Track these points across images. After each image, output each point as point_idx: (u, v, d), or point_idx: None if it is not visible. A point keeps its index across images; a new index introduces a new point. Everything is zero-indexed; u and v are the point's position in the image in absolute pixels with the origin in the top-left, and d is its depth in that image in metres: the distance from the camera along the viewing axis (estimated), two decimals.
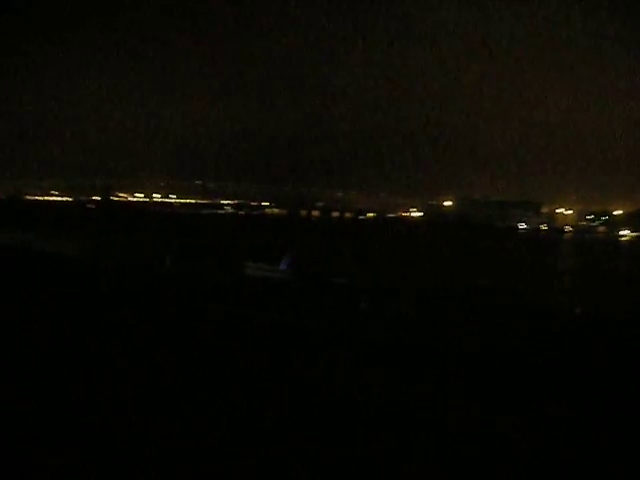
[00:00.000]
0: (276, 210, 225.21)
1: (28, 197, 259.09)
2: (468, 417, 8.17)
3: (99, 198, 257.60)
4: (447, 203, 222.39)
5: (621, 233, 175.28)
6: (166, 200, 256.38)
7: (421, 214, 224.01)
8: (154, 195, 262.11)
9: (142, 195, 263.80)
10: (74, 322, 12.66)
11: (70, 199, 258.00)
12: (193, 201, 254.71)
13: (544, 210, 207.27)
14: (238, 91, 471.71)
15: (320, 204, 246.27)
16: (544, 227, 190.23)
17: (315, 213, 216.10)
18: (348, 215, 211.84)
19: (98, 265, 30.69)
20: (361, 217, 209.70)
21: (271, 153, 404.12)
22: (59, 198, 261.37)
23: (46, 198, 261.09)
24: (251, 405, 7.81)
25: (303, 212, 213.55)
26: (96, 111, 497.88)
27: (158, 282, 25.21)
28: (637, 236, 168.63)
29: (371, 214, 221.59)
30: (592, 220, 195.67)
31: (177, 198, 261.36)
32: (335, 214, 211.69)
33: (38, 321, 12.37)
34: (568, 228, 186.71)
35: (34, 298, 15.47)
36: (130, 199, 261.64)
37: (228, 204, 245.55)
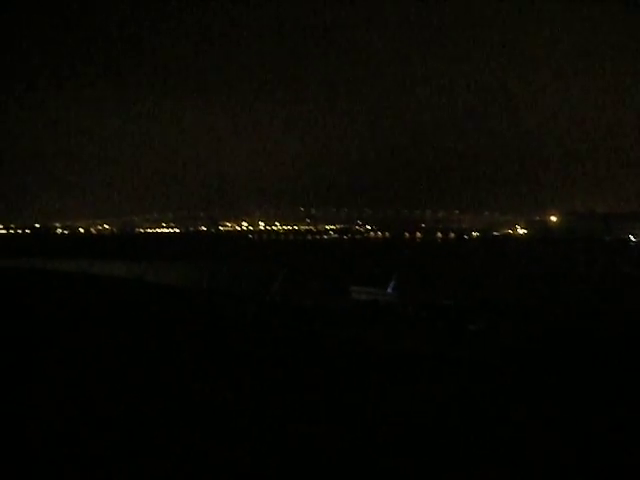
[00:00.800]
0: (380, 233, 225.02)
1: (139, 230, 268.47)
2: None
3: (205, 228, 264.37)
4: (552, 218, 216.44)
5: None
6: (271, 228, 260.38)
7: (526, 231, 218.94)
8: (259, 223, 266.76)
9: (247, 224, 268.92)
10: (194, 356, 12.93)
11: (178, 230, 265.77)
12: (297, 228, 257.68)
13: None
14: (337, 119, 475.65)
15: (423, 225, 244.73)
16: None
17: (419, 235, 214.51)
18: (452, 235, 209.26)
19: (207, 294, 31.33)
20: (465, 237, 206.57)
21: (372, 177, 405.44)
22: (168, 230, 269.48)
23: (156, 230, 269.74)
24: (364, 432, 7.78)
25: (407, 234, 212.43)
26: (202, 145, 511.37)
27: (266, 309, 25.53)
28: None
29: (475, 233, 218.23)
30: None
31: (281, 225, 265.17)
32: (439, 235, 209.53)
33: (161, 357, 12.70)
34: None
35: (150, 331, 15.92)
36: (236, 228, 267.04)
37: (332, 229, 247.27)
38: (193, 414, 8.32)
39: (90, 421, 7.87)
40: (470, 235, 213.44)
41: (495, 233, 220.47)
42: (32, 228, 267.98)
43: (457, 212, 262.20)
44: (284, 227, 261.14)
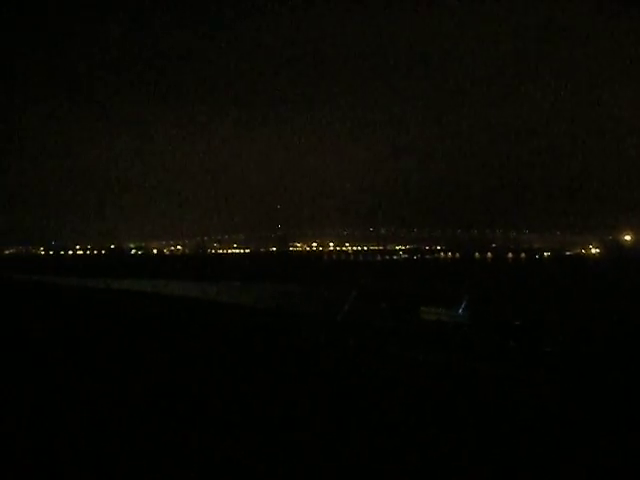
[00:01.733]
0: (450, 254, 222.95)
1: (211, 251, 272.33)
2: None
3: (276, 248, 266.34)
4: (626, 237, 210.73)
5: None
6: (341, 248, 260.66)
7: (599, 250, 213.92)
8: (329, 243, 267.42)
9: (317, 244, 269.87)
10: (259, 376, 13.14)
11: (249, 250, 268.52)
12: (367, 248, 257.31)
13: None
14: (406, 138, 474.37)
15: (494, 245, 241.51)
16: None
17: (489, 255, 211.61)
18: (523, 255, 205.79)
19: (278, 314, 31.66)
20: (537, 256, 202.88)
21: (442, 197, 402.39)
22: (239, 250, 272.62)
23: (227, 251, 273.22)
24: (441, 454, 7.86)
25: (477, 254, 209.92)
26: (271, 166, 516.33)
27: (338, 329, 25.70)
28: None
29: (547, 253, 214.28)
30: None
31: (351, 246, 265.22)
32: (510, 255, 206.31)
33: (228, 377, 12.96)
34: None
35: (215, 348, 16.25)
36: (306, 248, 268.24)
37: (401, 249, 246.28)
38: (273, 431, 8.51)
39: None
40: (542, 255, 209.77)
41: (567, 253, 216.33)
42: (108, 249, 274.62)
43: (527, 231, 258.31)
44: (354, 247, 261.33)
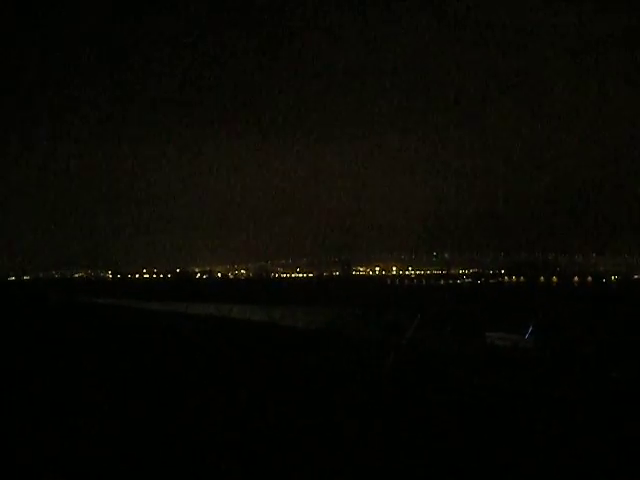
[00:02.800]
0: (514, 278, 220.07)
1: (274, 274, 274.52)
2: None
3: (339, 273, 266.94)
4: None
5: None
6: (404, 272, 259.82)
7: None
8: (392, 268, 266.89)
9: (380, 268, 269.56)
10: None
11: (312, 275, 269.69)
12: (430, 272, 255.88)
13: None
14: (469, 164, 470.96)
15: (558, 269, 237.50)
16: None
17: (554, 279, 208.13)
18: (589, 279, 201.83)
19: (342, 338, 31.93)
20: (603, 280, 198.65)
21: (506, 221, 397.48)
22: (302, 274, 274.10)
23: (291, 274, 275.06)
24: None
25: (542, 278, 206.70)
26: (336, 191, 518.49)
27: (402, 354, 25.91)
28: None
29: (614, 277, 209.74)
30: None
31: (415, 270, 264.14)
32: (576, 279, 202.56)
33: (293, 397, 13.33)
34: None
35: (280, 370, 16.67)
36: (370, 272, 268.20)
37: (465, 274, 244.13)
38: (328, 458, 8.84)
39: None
40: (608, 279, 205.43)
41: (635, 276, 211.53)
42: (174, 272, 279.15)
43: (595, 255, 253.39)
44: (417, 272, 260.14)
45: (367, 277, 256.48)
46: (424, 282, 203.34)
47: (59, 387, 13.73)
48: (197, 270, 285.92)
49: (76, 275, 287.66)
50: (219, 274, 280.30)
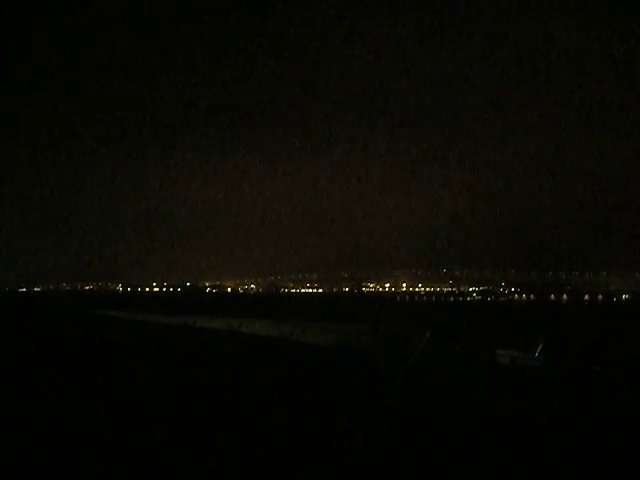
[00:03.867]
0: (524, 295, 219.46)
1: (284, 290, 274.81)
2: None
3: (349, 289, 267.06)
4: None
5: None
6: (414, 289, 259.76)
7: None
8: (402, 284, 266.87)
9: (390, 284, 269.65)
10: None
11: (322, 290, 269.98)
12: (440, 289, 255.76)
13: None
14: (478, 179, 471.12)
15: (569, 287, 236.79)
16: None
17: (565, 297, 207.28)
18: (600, 297, 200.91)
19: (350, 355, 31.94)
20: (614, 299, 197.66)
21: (516, 238, 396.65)
22: (312, 290, 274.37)
23: (301, 290, 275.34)
24: None
25: (552, 296, 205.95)
26: (346, 206, 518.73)
27: (411, 371, 25.89)
28: None
29: (625, 295, 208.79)
30: None
31: (424, 287, 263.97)
32: (586, 297, 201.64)
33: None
34: None
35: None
36: (379, 289, 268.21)
37: (475, 291, 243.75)
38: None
39: None
40: (619, 297, 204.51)
41: None
42: (184, 286, 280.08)
43: (605, 273, 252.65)
44: (427, 288, 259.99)
45: (377, 293, 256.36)
46: (434, 299, 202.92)
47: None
48: (207, 284, 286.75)
49: (86, 287, 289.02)
50: (229, 289, 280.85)
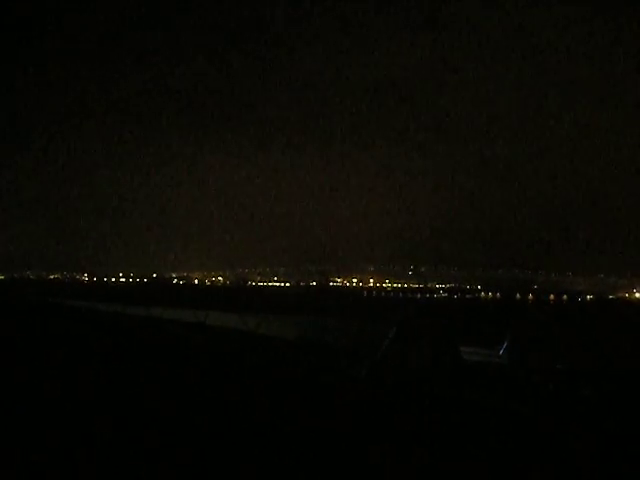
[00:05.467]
0: (490, 294, 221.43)
1: (252, 283, 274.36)
2: None
3: (316, 283, 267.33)
4: None
5: None
6: (381, 285, 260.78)
7: None
8: (369, 280, 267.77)
9: (357, 280, 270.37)
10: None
11: (288, 284, 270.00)
12: (407, 285, 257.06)
13: None
14: (448, 177, 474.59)
15: (535, 287, 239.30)
16: None
17: (530, 296, 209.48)
18: (565, 297, 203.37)
19: (317, 349, 31.87)
20: (579, 299, 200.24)
21: (484, 237, 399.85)
22: (279, 283, 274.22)
23: (268, 283, 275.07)
24: None
25: (518, 295, 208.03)
26: (315, 201, 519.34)
27: (376, 367, 25.88)
28: None
29: (590, 296, 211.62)
30: None
31: (391, 283, 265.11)
32: (551, 297, 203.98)
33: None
34: None
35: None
36: (346, 284, 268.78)
37: (442, 288, 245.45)
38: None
39: None
40: (584, 298, 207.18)
41: (610, 296, 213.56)
42: (150, 277, 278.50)
43: (571, 274, 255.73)
44: (394, 284, 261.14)
45: (344, 288, 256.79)
46: (401, 295, 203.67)
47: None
48: (174, 275, 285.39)
49: (51, 277, 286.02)
50: (196, 280, 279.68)
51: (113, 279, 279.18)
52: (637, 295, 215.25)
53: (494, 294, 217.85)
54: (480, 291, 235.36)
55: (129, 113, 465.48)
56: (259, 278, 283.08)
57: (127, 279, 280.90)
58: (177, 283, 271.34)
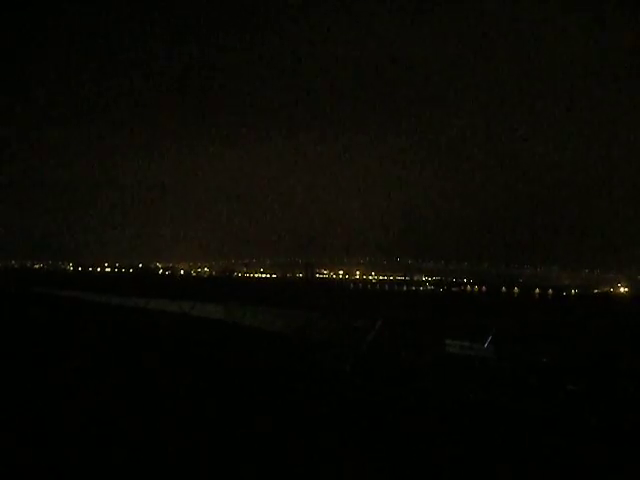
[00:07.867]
0: (476, 287, 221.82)
1: (238, 274, 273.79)
2: None
3: (302, 275, 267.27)
4: None
5: None
6: (367, 277, 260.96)
7: (627, 289, 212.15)
8: (355, 272, 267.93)
9: (343, 272, 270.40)
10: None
11: (275, 275, 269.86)
12: (393, 278, 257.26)
13: None
14: (435, 171, 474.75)
15: (520, 281, 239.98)
16: None
17: (515, 290, 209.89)
18: (550, 292, 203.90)
19: (302, 341, 31.76)
20: (564, 294, 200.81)
21: (470, 230, 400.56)
22: (266, 275, 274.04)
23: (254, 275, 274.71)
24: None
25: (503, 289, 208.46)
26: (302, 193, 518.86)
27: (361, 359, 25.78)
28: None
29: (575, 290, 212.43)
30: None
31: (377, 275, 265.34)
32: (537, 291, 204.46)
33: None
34: None
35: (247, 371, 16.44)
36: (333, 276, 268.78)
37: (428, 281, 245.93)
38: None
39: None
40: (569, 292, 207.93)
41: (595, 291, 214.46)
42: (136, 268, 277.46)
43: (556, 268, 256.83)
44: (380, 277, 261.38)
45: (330, 280, 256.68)
46: (387, 287, 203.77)
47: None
48: (159, 266, 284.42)
49: (36, 266, 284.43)
50: (182, 271, 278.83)
51: (98, 269, 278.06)
52: (622, 289, 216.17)
53: (480, 287, 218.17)
54: (466, 284, 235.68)
55: (115, 102, 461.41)
56: (245, 269, 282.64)
57: (112, 269, 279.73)
58: (163, 273, 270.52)
